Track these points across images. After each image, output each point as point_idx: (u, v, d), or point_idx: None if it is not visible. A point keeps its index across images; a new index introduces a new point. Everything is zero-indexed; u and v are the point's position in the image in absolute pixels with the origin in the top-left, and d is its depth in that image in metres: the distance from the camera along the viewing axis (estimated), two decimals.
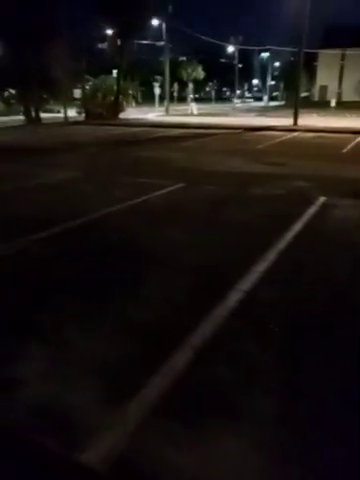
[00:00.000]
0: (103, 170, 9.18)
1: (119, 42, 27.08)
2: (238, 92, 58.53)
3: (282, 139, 14.94)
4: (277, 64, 70.01)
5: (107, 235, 4.91)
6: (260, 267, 3.89)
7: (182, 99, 50.34)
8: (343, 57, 48.41)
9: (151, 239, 4.74)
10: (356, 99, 46.66)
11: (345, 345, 2.75)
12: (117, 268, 3.96)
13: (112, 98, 27.27)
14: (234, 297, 3.34)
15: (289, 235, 4.80)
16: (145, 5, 26.47)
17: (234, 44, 50.87)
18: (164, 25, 32.30)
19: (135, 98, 30.98)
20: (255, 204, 6.27)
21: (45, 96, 27.48)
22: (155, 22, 33.20)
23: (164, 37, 33.21)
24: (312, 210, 5.87)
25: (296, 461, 1.88)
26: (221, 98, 69.72)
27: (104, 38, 28.50)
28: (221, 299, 3.30)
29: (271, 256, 4.17)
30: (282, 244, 4.51)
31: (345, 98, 46.14)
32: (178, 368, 2.47)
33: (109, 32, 27.87)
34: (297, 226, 5.13)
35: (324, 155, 11.20)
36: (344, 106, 37.51)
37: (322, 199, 6.44)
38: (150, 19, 31.27)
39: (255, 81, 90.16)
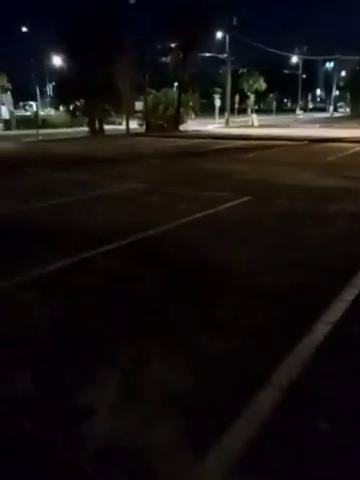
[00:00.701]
0: (167, 181, 9.01)
1: (181, 55, 27.31)
2: (300, 103, 56.94)
3: (352, 151, 14.04)
4: (343, 74, 67.54)
5: (176, 250, 4.64)
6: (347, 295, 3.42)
7: (242, 111, 49.92)
8: None
9: (223, 255, 4.40)
10: None
11: None
12: (189, 291, 3.66)
13: (173, 110, 27.51)
14: (322, 330, 2.90)
15: None
16: (208, 18, 26.58)
17: (297, 54, 49.75)
18: (227, 37, 32.24)
19: (195, 110, 31.01)
20: (332, 222, 5.73)
21: (108, 108, 28.28)
22: (218, 34, 33.22)
23: (227, 49, 33.15)
24: None
25: None
26: (282, 109, 68.33)
27: (167, 52, 28.84)
28: (308, 331, 2.88)
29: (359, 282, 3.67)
30: None
31: None
32: None
33: (172, 46, 28.15)
34: None
35: None
36: None
37: None
38: (213, 32, 31.31)
39: (318, 92, 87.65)
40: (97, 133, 25.45)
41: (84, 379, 2.43)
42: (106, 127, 27.07)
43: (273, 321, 3.08)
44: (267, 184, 8.52)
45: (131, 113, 28.25)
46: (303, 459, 1.89)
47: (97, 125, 26.23)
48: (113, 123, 33.61)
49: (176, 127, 27.11)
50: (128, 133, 25.11)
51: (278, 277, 3.86)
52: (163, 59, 29.78)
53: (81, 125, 28.27)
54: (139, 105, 34.49)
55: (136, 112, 33.20)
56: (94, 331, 2.98)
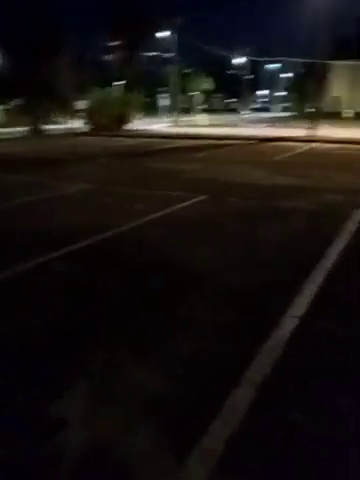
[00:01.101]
0: (118, 182, 8.81)
1: (126, 54, 27.02)
2: (246, 103, 58.33)
3: (300, 150, 14.53)
4: (287, 75, 69.96)
5: (137, 251, 4.51)
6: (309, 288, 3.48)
7: (188, 110, 50.32)
8: (355, 68, 48.12)
9: (184, 255, 4.33)
10: None
11: None
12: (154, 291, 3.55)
13: (118, 110, 27.09)
14: (289, 325, 2.92)
15: (332, 252, 4.37)
16: (152, 17, 26.51)
17: (242, 55, 50.81)
18: (172, 37, 32.30)
19: (140, 110, 30.77)
20: (286, 219, 5.84)
21: (50, 107, 27.34)
22: (162, 34, 33.19)
23: (172, 49, 33.22)
24: (350, 226, 5.44)
25: None
26: (228, 109, 69.73)
27: (111, 50, 28.41)
28: (275, 327, 2.88)
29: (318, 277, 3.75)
30: (327, 262, 4.08)
31: (358, 109, 45.74)
32: None
33: (117, 44, 27.76)
34: (338, 243, 4.70)
35: (346, 166, 10.79)
36: (357, 117, 37.14)
37: (359, 213, 6.02)
38: (157, 31, 31.25)
39: (262, 92, 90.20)
40: (39, 133, 24.50)
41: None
42: (48, 127, 26.12)
43: (241, 318, 3.06)
44: (220, 183, 8.58)
45: (74, 112, 27.50)
46: (280, 454, 1.86)
47: (38, 125, 25.23)
48: (55, 122, 32.49)
49: (121, 126, 26.73)
50: (72, 133, 24.41)
51: (240, 274, 3.86)
52: (107, 57, 29.31)
53: (19, 125, 26.87)
54: (82, 104, 33.73)
55: (79, 111, 32.42)
56: (53, 340, 2.80)
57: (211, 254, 4.42)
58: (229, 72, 62.86)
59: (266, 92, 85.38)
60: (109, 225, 5.34)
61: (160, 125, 30.95)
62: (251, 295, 3.46)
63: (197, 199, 6.90)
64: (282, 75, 69.64)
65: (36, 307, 3.28)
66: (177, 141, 18.41)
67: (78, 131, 24.64)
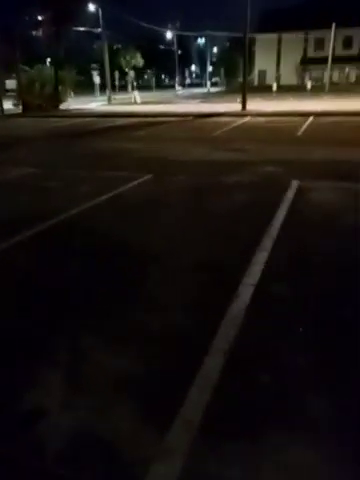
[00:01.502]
0: (60, 164, 8.60)
1: (54, 29, 25.70)
2: (178, 79, 58.03)
3: (235, 125, 14.91)
4: (215, 50, 70.34)
5: (89, 235, 4.52)
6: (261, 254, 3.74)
7: (122, 88, 49.19)
8: (280, 41, 49.45)
9: (140, 236, 4.43)
10: (294, 82, 48.10)
11: None
12: (113, 273, 3.63)
13: (50, 88, 25.95)
14: (247, 292, 3.15)
15: (277, 220, 4.68)
16: None
17: (171, 30, 50.31)
18: (100, 11, 31.15)
19: (72, 88, 29.67)
20: (232, 192, 6.10)
21: None
22: (91, 8, 31.88)
23: (101, 23, 32.07)
24: (290, 194, 5.80)
25: None
26: (161, 86, 69.00)
27: (38, 25, 26.91)
28: (235, 295, 3.10)
29: (267, 243, 4.03)
30: (274, 230, 4.38)
31: (284, 82, 47.28)
32: None
33: (44, 18, 26.30)
34: (281, 211, 5.03)
35: (281, 138, 11.29)
36: (285, 90, 38.46)
37: (295, 183, 6.41)
38: (86, 4, 29.99)
39: (193, 68, 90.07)
40: None
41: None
42: None
43: (201, 289, 3.25)
44: (164, 161, 8.66)
45: (4, 92, 25.95)
46: (255, 413, 2.09)
47: None
48: None
49: (56, 106, 25.70)
50: (3, 115, 23.10)
51: (196, 248, 4.04)
52: (34, 33, 27.72)
53: None
54: (11, 83, 31.80)
55: (7, 91, 30.56)
56: (26, 326, 2.82)
57: (164, 231, 4.55)
58: (161, 47, 61.91)
59: (197, 68, 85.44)
60: (60, 209, 5.27)
61: (95, 104, 30.07)
62: (204, 267, 3.66)
63: (143, 179, 6.95)
64: (214, 50, 69.88)
65: None
66: (115, 120, 18.07)
67: (10, 113, 23.32)
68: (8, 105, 25.00)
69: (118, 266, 3.74)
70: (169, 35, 53.14)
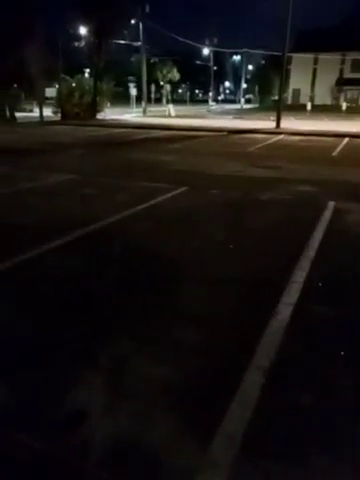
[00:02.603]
0: (98, 172, 8.81)
1: (96, 41, 26.50)
2: (212, 94, 58.66)
3: (269, 142, 14.94)
4: (250, 67, 70.81)
5: (126, 244, 4.61)
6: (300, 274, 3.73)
7: (157, 100, 50.05)
8: (316, 61, 49.48)
9: (174, 247, 4.48)
10: (328, 102, 47.83)
11: None
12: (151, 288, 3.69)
13: (89, 98, 26.70)
14: (286, 311, 3.15)
15: (314, 241, 4.65)
16: (123, 4, 26.14)
17: (208, 46, 51.00)
18: (141, 25, 31.97)
19: (110, 98, 30.49)
20: (268, 208, 6.11)
21: (19, 94, 26.58)
22: (132, 22, 32.77)
23: (141, 37, 32.87)
24: (327, 214, 5.77)
25: None
26: (195, 100, 69.88)
27: (81, 37, 27.85)
28: (274, 312, 3.10)
29: (305, 264, 4.01)
30: (311, 252, 4.35)
31: (318, 102, 47.11)
32: None
33: (86, 31, 27.21)
34: (318, 232, 5.00)
35: (316, 158, 11.23)
36: (318, 109, 38.27)
37: (332, 203, 6.36)
38: (128, 18, 30.84)
39: (227, 84, 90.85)
40: (8, 121, 23.80)
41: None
42: (17, 115, 25.41)
43: (241, 306, 3.26)
44: (198, 174, 8.76)
45: (44, 100, 26.85)
46: (297, 434, 2.07)
47: (8, 113, 24.51)
48: (23, 110, 31.65)
49: (93, 116, 26.39)
50: (42, 121, 23.87)
51: (233, 264, 4.06)
52: (76, 44, 28.67)
53: None
54: (50, 91, 32.87)
55: (47, 99, 31.59)
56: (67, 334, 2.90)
57: (200, 245, 4.59)
58: (196, 62, 62.85)
59: (231, 84, 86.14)
60: (94, 217, 5.38)
61: (131, 115, 30.71)
62: (244, 282, 3.67)
63: (178, 191, 7.04)
64: (249, 67, 70.39)
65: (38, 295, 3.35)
66: (150, 131, 18.40)
67: (49, 120, 24.11)
68: (47, 112, 25.86)
69: (153, 274, 3.79)
70: (206, 51, 53.89)
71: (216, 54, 61.77)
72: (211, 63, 56.36)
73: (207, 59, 58.24)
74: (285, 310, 3.16)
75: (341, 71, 49.72)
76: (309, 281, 3.65)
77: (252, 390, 2.28)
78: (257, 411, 2.13)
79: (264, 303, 3.30)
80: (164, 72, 54.39)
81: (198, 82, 75.38)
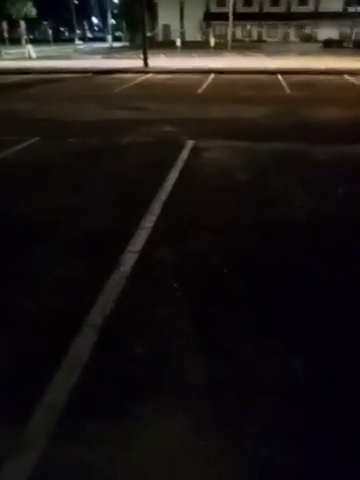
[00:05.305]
0: None
1: None
2: (78, 32, 54.11)
3: (136, 82, 14.34)
4: (116, 1, 66.29)
5: None
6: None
7: (14, 41, 44.60)
8: None
9: (28, 204, 4.03)
10: (199, 38, 47.56)
11: None
12: None
13: None
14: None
15: (170, 178, 4.57)
16: None
17: None
18: None
19: None
20: (127, 153, 5.84)
21: None
22: None
23: None
24: (184, 154, 5.72)
25: None
26: (60, 39, 64.01)
27: None
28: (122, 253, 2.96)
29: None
30: (163, 195, 4.26)
31: (189, 38, 46.42)
32: None
33: None
34: (174, 173, 4.92)
35: (181, 97, 11.07)
36: (188, 46, 37.75)
37: (191, 142, 6.33)
38: None
39: (95, 20, 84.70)
40: None
41: None
42: None
43: (88, 252, 3.06)
44: (55, 122, 8.04)
45: None
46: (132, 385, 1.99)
47: None
48: None
49: None
50: None
51: (87, 213, 3.81)
52: None
53: None
54: None
55: None
56: None
57: (48, 201, 4.21)
58: None
59: (99, 20, 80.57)
60: None
61: None
62: (91, 232, 3.45)
63: (29, 142, 6.37)
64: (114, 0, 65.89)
65: None
66: (4, 77, 16.34)
67: None
68: None
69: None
70: None
71: None
72: None
73: None
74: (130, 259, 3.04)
75: (207, 5, 49.12)
76: (156, 226, 3.56)
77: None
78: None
79: (112, 249, 3.14)
80: (17, 7, 48.00)
81: (62, 18, 68.66)
